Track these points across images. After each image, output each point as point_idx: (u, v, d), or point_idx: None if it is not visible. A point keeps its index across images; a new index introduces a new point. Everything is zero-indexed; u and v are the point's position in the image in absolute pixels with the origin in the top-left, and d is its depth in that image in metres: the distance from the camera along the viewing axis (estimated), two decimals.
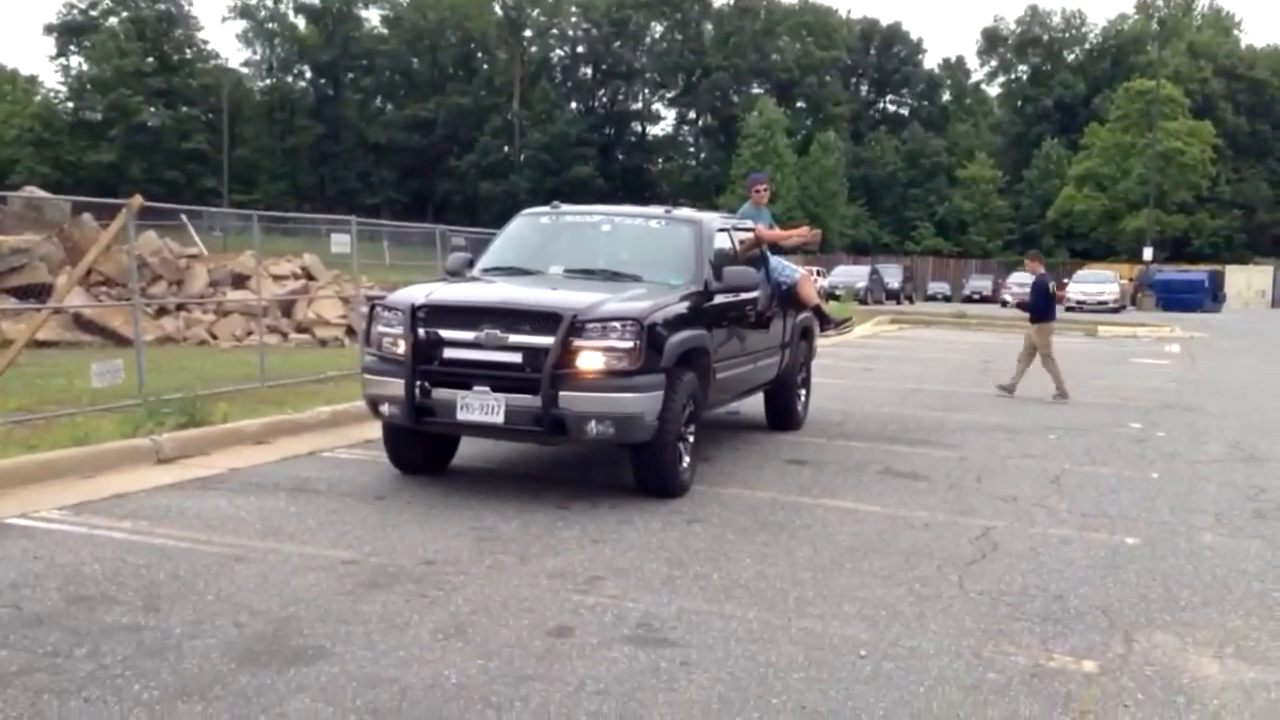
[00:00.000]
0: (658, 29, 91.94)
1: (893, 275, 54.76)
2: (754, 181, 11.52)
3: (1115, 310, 43.27)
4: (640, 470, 7.36)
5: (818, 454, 9.45)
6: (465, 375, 7.05)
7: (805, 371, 11.04)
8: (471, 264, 8.75)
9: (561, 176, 77.79)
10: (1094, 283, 46.85)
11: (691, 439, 7.60)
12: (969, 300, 53.79)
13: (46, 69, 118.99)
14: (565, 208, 9.48)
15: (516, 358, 6.96)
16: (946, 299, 57.85)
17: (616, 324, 6.94)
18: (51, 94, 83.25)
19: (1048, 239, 76.70)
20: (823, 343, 16.18)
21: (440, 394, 7.07)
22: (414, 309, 7.21)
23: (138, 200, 10.25)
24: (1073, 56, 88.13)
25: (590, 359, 6.89)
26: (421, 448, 7.86)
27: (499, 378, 6.98)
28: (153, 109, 76.67)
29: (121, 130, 74.79)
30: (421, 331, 7.16)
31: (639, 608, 5.16)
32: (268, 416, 9.49)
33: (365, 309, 9.25)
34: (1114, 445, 10.49)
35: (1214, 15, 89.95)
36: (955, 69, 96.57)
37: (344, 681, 4.19)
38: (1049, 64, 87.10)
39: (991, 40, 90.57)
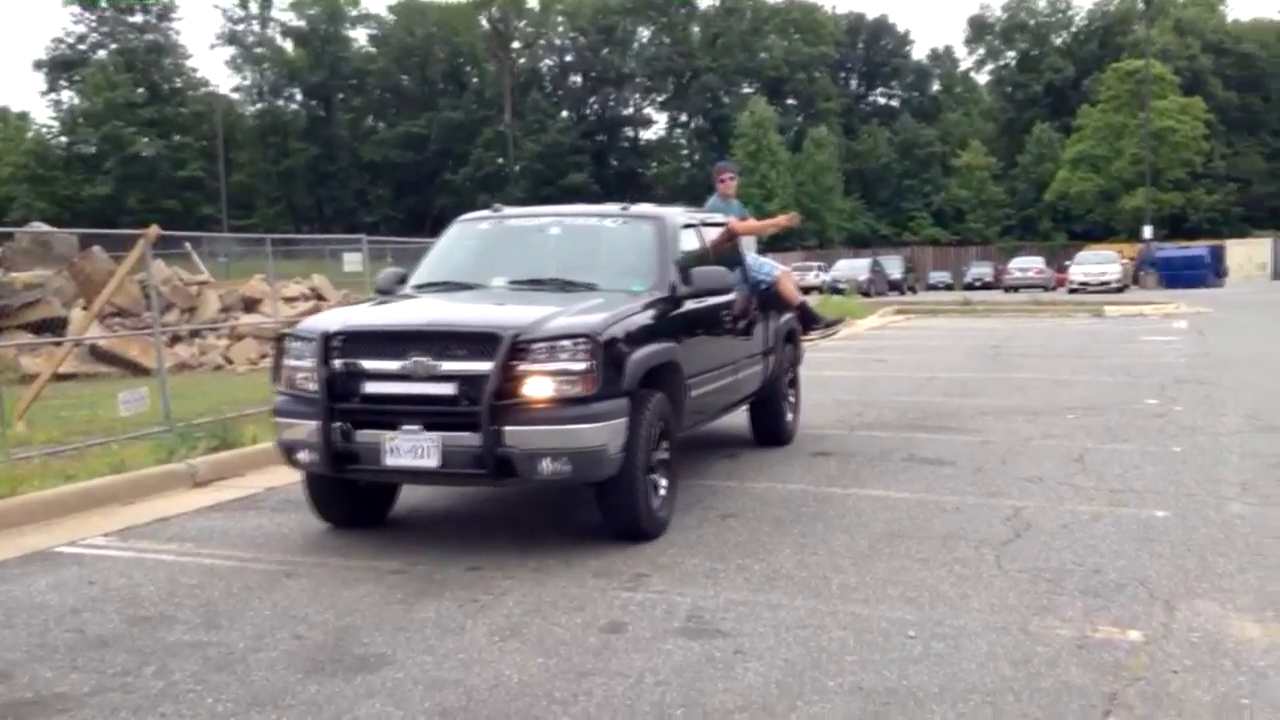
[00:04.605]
0: (645, 34, 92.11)
1: (894, 267, 54.94)
2: (720, 170, 10.32)
3: (1119, 290, 43.33)
4: (606, 510, 6.39)
5: (842, 445, 9.54)
6: (392, 413, 6.02)
7: (793, 379, 10.03)
8: (404, 280, 7.72)
9: (556, 185, 77.92)
10: (1096, 263, 46.95)
11: (667, 468, 6.67)
12: (970, 287, 53.83)
13: (38, 105, 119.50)
14: (508, 210, 8.50)
15: (450, 389, 5.94)
16: (948, 287, 57.88)
17: (566, 342, 5.93)
18: (44, 129, 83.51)
19: (1045, 222, 77.02)
20: (834, 337, 16.28)
21: (364, 436, 6.04)
22: (327, 337, 6.17)
23: (154, 230, 10.38)
24: (1060, 40, 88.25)
25: (537, 386, 5.89)
26: (353, 498, 6.83)
27: (432, 413, 5.96)
28: (146, 139, 76.69)
29: (116, 162, 74.84)
30: (338, 363, 6.13)
31: (687, 601, 5.26)
32: None
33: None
34: (1133, 422, 10.57)
35: None
36: (944, 58, 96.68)
37: (410, 686, 4.29)
38: (1037, 49, 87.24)
39: (978, 28, 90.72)
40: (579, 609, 5.17)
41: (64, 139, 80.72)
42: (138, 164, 75.27)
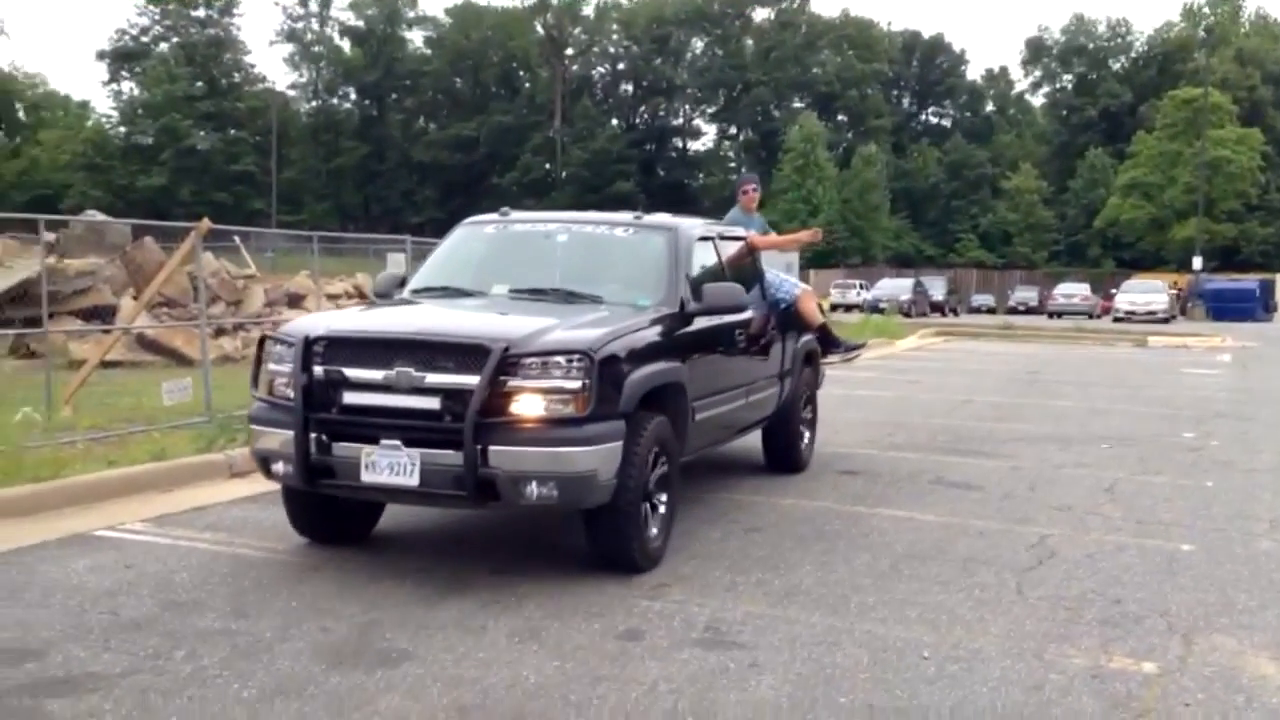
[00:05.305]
0: (698, 45, 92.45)
1: (937, 288, 54.82)
2: (743, 182, 9.86)
3: (1165, 320, 42.83)
4: (595, 539, 6.01)
5: (869, 465, 9.56)
6: (371, 425, 5.64)
7: (810, 403, 9.49)
8: (404, 284, 7.38)
9: (602, 193, 78.27)
10: (1142, 292, 46.43)
11: (666, 496, 6.24)
12: (1014, 312, 53.50)
13: (99, 95, 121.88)
14: (515, 215, 8.06)
15: (434, 403, 5.57)
16: (991, 311, 57.58)
17: (560, 358, 5.55)
18: (104, 119, 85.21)
19: (1094, 248, 76.39)
20: (869, 356, 16.29)
21: (341, 449, 5.69)
22: (309, 342, 5.80)
23: (206, 224, 10.60)
24: (1118, 65, 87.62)
25: (527, 404, 5.51)
26: (333, 513, 6.41)
27: (413, 428, 5.59)
28: (202, 132, 77.99)
29: (171, 154, 76.18)
30: (319, 370, 5.77)
31: (705, 612, 5.33)
32: None
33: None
34: (1167, 454, 10.51)
35: (1262, 22, 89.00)
36: (998, 79, 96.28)
37: (429, 682, 4.39)
38: (1094, 73, 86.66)
39: (1036, 50, 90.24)
40: (598, 615, 5.26)
41: (122, 129, 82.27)
42: (193, 157, 76.52)
